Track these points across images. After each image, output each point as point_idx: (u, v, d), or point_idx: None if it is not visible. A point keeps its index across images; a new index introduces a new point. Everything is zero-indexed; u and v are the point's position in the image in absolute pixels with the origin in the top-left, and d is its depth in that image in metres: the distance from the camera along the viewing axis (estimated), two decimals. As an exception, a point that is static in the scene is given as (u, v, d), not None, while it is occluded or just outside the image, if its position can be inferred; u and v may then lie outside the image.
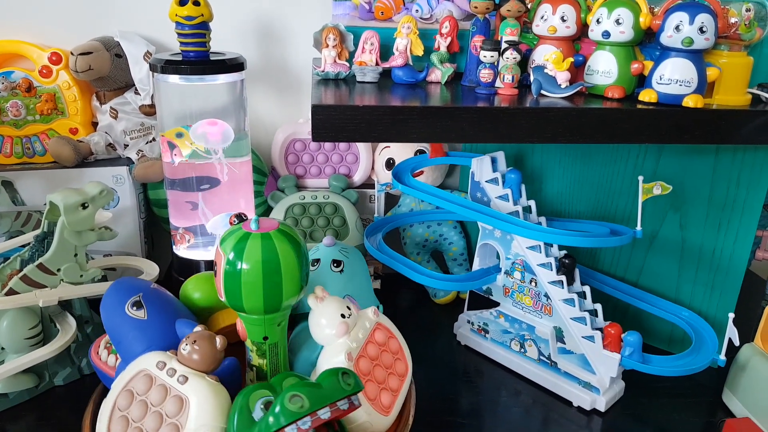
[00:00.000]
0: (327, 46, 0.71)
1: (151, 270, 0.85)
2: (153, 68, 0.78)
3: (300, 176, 0.96)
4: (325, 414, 0.48)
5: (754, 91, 0.67)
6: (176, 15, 0.76)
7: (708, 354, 0.71)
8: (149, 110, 0.92)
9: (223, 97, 0.81)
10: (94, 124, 0.94)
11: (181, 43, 0.78)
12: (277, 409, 0.48)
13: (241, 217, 0.58)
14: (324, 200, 0.91)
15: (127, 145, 0.92)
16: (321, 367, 0.60)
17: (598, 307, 0.74)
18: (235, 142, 0.83)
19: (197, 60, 0.78)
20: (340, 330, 0.60)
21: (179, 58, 0.78)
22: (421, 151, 0.94)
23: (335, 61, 0.72)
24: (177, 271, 0.90)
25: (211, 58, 0.79)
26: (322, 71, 0.71)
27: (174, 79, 0.78)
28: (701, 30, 0.60)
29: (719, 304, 0.79)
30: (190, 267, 0.88)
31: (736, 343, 0.68)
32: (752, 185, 0.75)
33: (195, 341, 0.57)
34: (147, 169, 0.89)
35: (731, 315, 0.68)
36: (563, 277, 0.73)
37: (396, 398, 0.61)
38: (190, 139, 0.81)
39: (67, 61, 0.88)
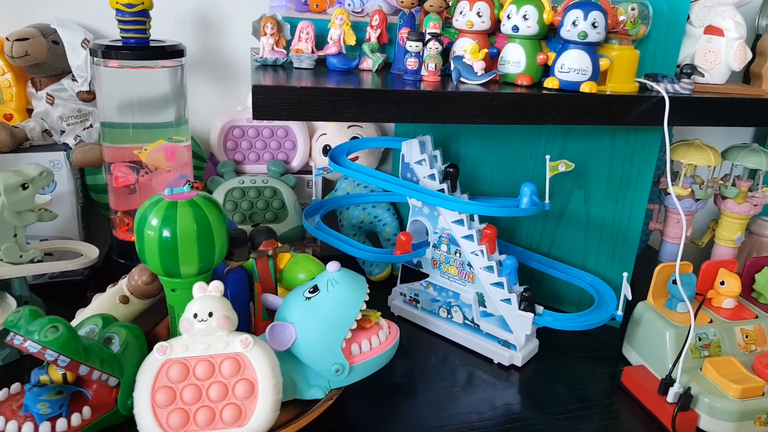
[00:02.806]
0: (265, 34, 0.77)
1: (90, 253, 0.87)
2: (93, 53, 0.81)
3: (239, 162, 1.00)
4: (49, 355, 0.55)
5: (642, 80, 0.78)
6: (117, 2, 0.79)
7: (608, 311, 0.80)
8: (87, 96, 0.93)
9: (164, 84, 0.84)
10: (29, 111, 0.94)
11: (122, 29, 0.81)
12: (30, 323, 0.55)
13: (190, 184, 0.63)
14: (263, 184, 0.95)
15: (64, 131, 0.93)
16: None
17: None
18: (174, 128, 0.86)
19: (138, 46, 0.81)
20: (182, 325, 0.59)
21: (119, 44, 0.81)
22: (355, 138, 1.00)
23: (273, 48, 0.77)
24: (117, 254, 0.92)
25: (152, 45, 0.82)
26: (261, 57, 0.76)
27: (115, 64, 0.81)
28: (594, 25, 0.70)
29: (619, 269, 0.89)
30: (131, 250, 0.90)
31: (629, 297, 0.78)
32: (643, 164, 0.86)
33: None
34: (86, 154, 0.90)
35: (625, 274, 0.78)
36: (483, 247, 0.81)
37: None
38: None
39: (2, 47, 0.89)
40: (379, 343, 0.68)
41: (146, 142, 0.85)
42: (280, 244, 0.71)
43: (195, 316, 0.59)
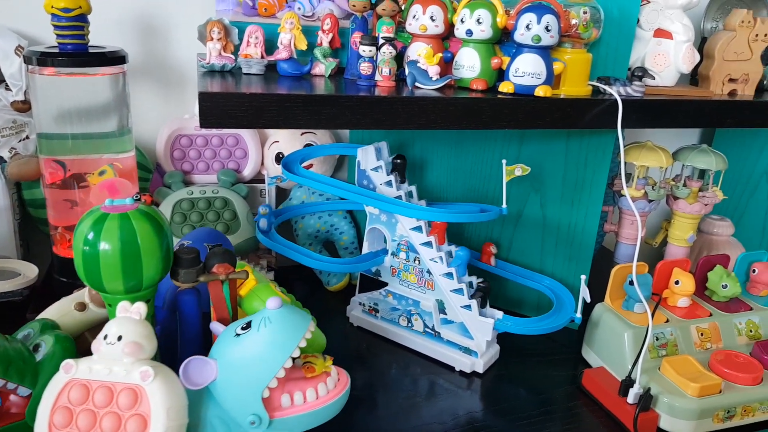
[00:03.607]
0: (211, 39, 0.73)
1: (29, 272, 0.82)
2: (28, 61, 0.76)
3: (187, 172, 0.96)
4: None
5: (594, 83, 0.78)
6: (52, 7, 0.75)
7: (567, 313, 0.80)
8: (22, 106, 0.88)
9: (105, 92, 0.80)
10: (-41, 122, 0.88)
11: (58, 35, 0.77)
12: None
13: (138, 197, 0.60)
14: (213, 195, 0.92)
15: (-2, 143, 0.87)
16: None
17: (473, 279, 0.82)
18: (117, 138, 0.82)
19: (75, 53, 0.77)
20: (93, 344, 0.56)
21: (56, 51, 0.77)
22: (309, 145, 0.98)
23: (220, 53, 0.74)
24: (58, 272, 0.87)
25: (91, 51, 0.78)
26: (208, 63, 0.73)
27: (51, 72, 0.76)
28: (547, 29, 0.70)
29: (576, 272, 0.90)
30: (73, 267, 0.85)
31: (588, 300, 0.78)
32: (597, 166, 0.86)
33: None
34: (21, 167, 0.85)
35: (583, 277, 0.78)
36: (442, 253, 0.80)
37: None
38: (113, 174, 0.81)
39: (-75, 54, 0.83)
40: (317, 396, 0.60)
41: (86, 153, 0.81)
42: (236, 269, 0.66)
43: (105, 337, 0.55)
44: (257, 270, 0.73)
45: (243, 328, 0.58)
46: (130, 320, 0.56)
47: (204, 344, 0.66)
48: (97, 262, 0.56)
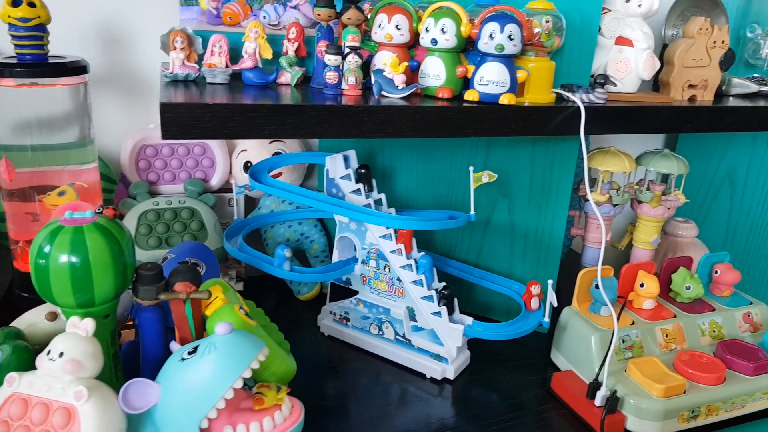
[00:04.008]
0: (174, 48, 0.73)
1: (-12, 287, 0.80)
2: (-17, 71, 0.74)
3: (153, 182, 0.95)
4: None
5: (558, 90, 0.79)
6: (9, 16, 0.73)
7: (536, 318, 0.81)
8: (-20, 117, 0.86)
9: (65, 103, 0.79)
10: None
11: (16, 45, 0.75)
12: None
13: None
14: (180, 205, 0.91)
15: (-45, 156, 0.85)
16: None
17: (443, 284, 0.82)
18: (79, 149, 0.81)
19: (35, 63, 0.75)
20: (37, 359, 0.55)
21: (14, 61, 0.75)
22: (278, 153, 0.97)
23: (184, 63, 0.73)
24: (19, 287, 0.85)
25: (50, 62, 0.77)
26: (171, 73, 0.73)
27: (9, 83, 0.74)
28: (510, 38, 0.70)
29: (544, 276, 0.91)
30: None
31: (555, 304, 0.79)
32: (563, 172, 0.87)
33: None
34: (-20, 180, 0.83)
35: (550, 281, 0.79)
36: (412, 261, 0.80)
37: None
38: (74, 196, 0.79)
39: None
40: (261, 431, 0.57)
41: (47, 165, 0.79)
42: (198, 288, 0.64)
43: (48, 352, 0.54)
44: (231, 287, 0.71)
45: (189, 353, 0.56)
46: (75, 337, 0.55)
47: None
48: (47, 274, 0.56)
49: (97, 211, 0.60)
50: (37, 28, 0.75)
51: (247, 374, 0.55)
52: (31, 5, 0.74)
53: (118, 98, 0.97)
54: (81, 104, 0.80)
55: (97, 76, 0.93)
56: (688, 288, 0.88)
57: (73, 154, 0.80)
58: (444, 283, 0.82)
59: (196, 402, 0.54)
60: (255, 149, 0.96)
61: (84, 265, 0.56)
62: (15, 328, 0.65)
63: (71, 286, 0.56)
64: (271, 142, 0.97)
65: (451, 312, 0.80)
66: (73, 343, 0.54)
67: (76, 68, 0.78)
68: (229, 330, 0.56)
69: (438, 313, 0.80)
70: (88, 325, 0.55)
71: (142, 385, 0.55)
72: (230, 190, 0.98)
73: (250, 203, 1.03)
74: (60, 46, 0.82)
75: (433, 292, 0.80)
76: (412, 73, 0.77)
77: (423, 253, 0.83)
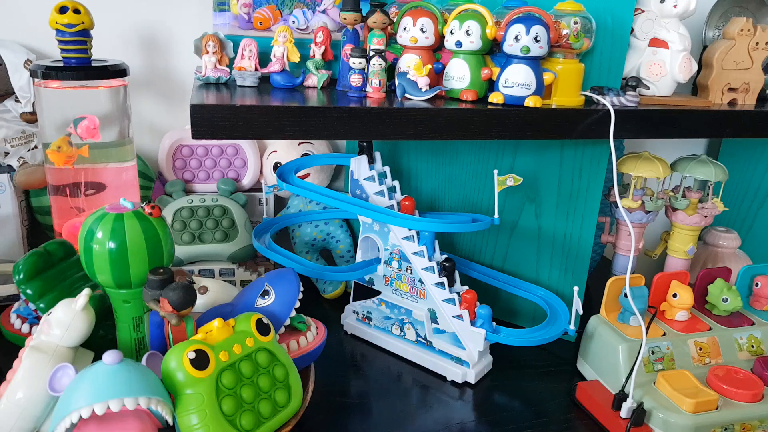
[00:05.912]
0: (207, 52, 0.75)
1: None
2: (33, 74, 0.79)
3: (188, 181, 0.98)
4: None
5: (587, 93, 0.78)
6: (56, 23, 0.78)
7: (561, 325, 0.80)
8: (30, 117, 0.91)
9: (106, 104, 0.83)
10: (-29, 133, 0.92)
11: (62, 50, 0.79)
12: None
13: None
14: (212, 203, 0.94)
15: (8, 153, 0.90)
16: None
17: (465, 288, 0.82)
18: (119, 147, 0.85)
19: (79, 66, 0.79)
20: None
21: (61, 64, 0.79)
22: (306, 154, 0.99)
23: (216, 66, 0.76)
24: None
25: (93, 65, 0.81)
26: (203, 76, 0.75)
27: (55, 85, 0.79)
28: (536, 39, 0.70)
29: (572, 283, 0.89)
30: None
31: (580, 312, 0.77)
32: (592, 176, 0.85)
33: None
34: (29, 176, 0.88)
35: (576, 288, 0.77)
36: (434, 263, 0.80)
37: None
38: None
39: (-61, 68, 0.86)
40: None
41: (90, 163, 0.83)
42: (176, 311, 0.61)
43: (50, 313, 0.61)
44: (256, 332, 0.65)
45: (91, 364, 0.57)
46: (67, 304, 0.61)
47: None
48: (91, 255, 0.61)
49: (140, 207, 0.63)
50: (81, 34, 0.79)
51: (86, 414, 0.52)
52: (76, 12, 0.78)
53: (156, 100, 1.01)
54: (121, 105, 0.84)
55: (136, 79, 0.97)
56: (725, 300, 0.84)
57: (113, 152, 0.84)
58: (446, 255, 0.82)
59: (56, 410, 0.55)
60: (284, 150, 0.99)
61: (121, 248, 0.60)
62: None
63: (110, 266, 0.60)
64: (300, 143, 0.99)
65: (451, 285, 0.81)
66: (62, 308, 0.60)
67: (117, 71, 0.81)
68: (115, 361, 0.55)
69: (460, 317, 0.79)
70: (82, 297, 0.61)
71: (68, 371, 0.57)
72: (261, 190, 1.00)
73: (280, 203, 1.05)
74: (102, 50, 0.86)
75: (455, 295, 0.79)
76: (437, 76, 0.77)
77: (446, 256, 0.83)
